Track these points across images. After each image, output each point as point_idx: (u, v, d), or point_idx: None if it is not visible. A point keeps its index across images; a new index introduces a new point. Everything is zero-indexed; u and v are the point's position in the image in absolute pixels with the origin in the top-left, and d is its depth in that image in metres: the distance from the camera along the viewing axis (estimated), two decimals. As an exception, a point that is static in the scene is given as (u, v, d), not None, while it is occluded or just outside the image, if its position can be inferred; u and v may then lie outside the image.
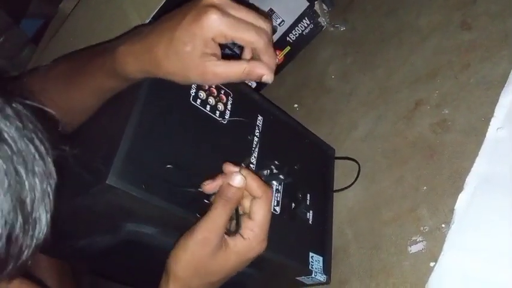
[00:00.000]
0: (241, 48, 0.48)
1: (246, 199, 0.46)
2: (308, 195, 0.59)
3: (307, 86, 0.83)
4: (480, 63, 0.58)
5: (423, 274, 0.49)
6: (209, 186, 0.45)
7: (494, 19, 0.60)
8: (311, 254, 0.56)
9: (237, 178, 0.44)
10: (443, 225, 0.51)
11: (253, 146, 0.54)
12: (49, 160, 0.30)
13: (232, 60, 0.45)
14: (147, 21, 0.67)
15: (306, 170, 0.60)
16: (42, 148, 0.29)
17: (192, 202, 0.45)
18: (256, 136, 0.55)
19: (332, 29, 0.84)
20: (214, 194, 0.45)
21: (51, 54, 0.73)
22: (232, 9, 0.44)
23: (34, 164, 0.28)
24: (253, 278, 0.55)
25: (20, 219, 0.28)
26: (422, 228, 0.53)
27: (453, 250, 0.48)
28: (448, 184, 0.53)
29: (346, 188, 0.64)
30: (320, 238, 0.59)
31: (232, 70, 0.45)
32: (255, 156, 0.54)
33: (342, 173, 0.66)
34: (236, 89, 0.55)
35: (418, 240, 0.52)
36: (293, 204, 0.56)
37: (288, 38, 0.83)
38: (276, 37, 0.82)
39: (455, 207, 0.50)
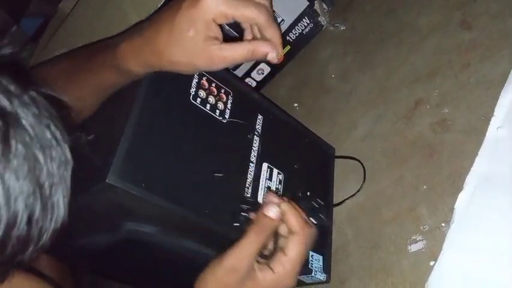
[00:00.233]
0: (241, 32, 0.47)
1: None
2: (308, 193, 0.59)
3: (307, 85, 0.83)
4: (480, 62, 0.58)
5: (423, 273, 0.49)
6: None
7: (494, 18, 0.59)
8: (311, 252, 0.56)
9: (272, 210, 0.44)
10: (443, 225, 0.51)
11: (253, 145, 0.54)
12: (65, 146, 0.30)
13: (235, 42, 0.44)
14: (147, 20, 0.67)
15: (306, 169, 0.60)
16: (58, 134, 0.30)
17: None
18: (256, 135, 0.55)
19: (332, 28, 0.84)
20: (250, 209, 0.46)
21: (51, 53, 0.72)
22: None
23: (51, 150, 0.29)
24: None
25: (39, 203, 0.28)
26: (422, 227, 0.53)
27: (453, 249, 0.48)
28: (448, 183, 0.53)
29: (353, 195, 0.62)
30: (320, 237, 0.59)
31: (237, 52, 0.44)
32: (254, 156, 0.54)
33: (341, 172, 0.66)
34: (236, 88, 0.55)
35: (417, 239, 0.52)
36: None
37: (287, 37, 0.82)
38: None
39: (455, 207, 0.50)
